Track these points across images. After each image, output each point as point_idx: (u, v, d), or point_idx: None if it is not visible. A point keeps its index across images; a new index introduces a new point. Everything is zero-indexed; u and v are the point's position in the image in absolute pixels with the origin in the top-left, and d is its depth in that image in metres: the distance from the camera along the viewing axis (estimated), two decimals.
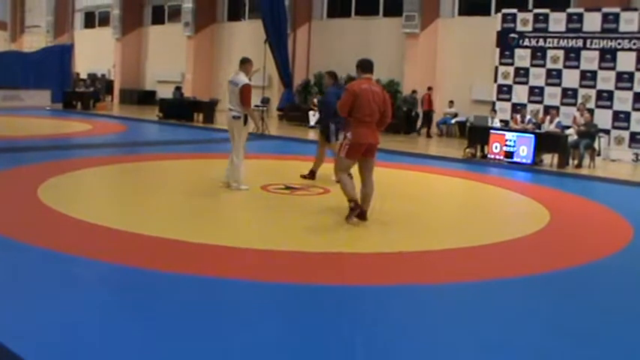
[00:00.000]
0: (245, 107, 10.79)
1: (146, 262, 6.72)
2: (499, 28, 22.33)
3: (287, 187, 11.45)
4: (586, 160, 17.05)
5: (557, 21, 21.10)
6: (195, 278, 6.25)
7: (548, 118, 18.04)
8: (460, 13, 25.59)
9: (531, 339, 5.18)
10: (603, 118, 19.73)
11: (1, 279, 6.10)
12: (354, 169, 9.19)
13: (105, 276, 6.33)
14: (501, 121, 20.12)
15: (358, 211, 8.85)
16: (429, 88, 24.47)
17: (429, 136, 24.32)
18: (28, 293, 5.67)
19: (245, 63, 11.03)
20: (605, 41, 20.15)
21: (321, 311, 5.61)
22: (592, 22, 20.35)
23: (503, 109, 21.85)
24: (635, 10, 19.96)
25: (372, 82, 8.99)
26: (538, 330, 5.38)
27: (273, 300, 5.90)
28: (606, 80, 20.14)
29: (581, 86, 20.63)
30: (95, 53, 39.04)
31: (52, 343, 4.67)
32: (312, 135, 21.14)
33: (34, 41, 41.82)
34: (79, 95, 31.08)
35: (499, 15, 22.52)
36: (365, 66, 8.99)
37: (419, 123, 24.78)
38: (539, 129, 17.80)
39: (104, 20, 40.11)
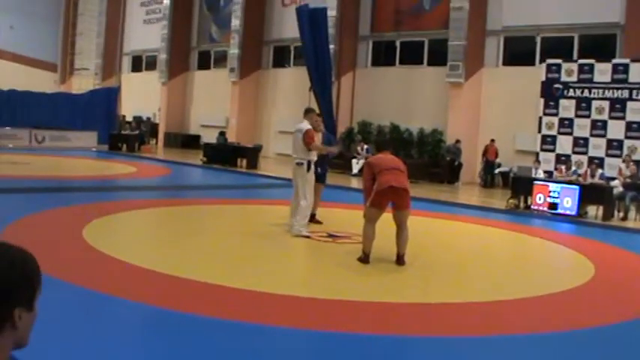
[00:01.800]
0: (308, 147, 11.20)
1: (187, 305, 6.75)
2: (543, 78, 22.27)
3: (330, 235, 11.47)
4: (632, 213, 16.79)
5: (603, 72, 20.97)
6: (235, 324, 6.25)
7: (588, 171, 17.78)
8: (504, 63, 25.56)
9: None
10: None
11: (47, 317, 6.16)
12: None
13: (145, 318, 6.39)
14: (545, 171, 19.95)
15: (366, 262, 9.28)
16: (492, 140, 24.22)
17: (492, 185, 24.14)
18: (72, 333, 5.74)
19: (308, 113, 11.81)
20: None
21: None
22: (638, 72, 20.18)
23: (547, 160, 21.66)
24: None
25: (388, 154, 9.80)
26: None
27: (316, 348, 5.88)
28: None
29: (627, 137, 20.43)
30: (141, 96, 39.70)
31: None
32: (355, 183, 21.12)
33: (82, 83, 42.72)
34: (124, 137, 31.59)
35: (544, 65, 22.48)
36: (380, 146, 10.46)
37: (461, 173, 24.58)
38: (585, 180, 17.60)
39: (151, 64, 40.87)
